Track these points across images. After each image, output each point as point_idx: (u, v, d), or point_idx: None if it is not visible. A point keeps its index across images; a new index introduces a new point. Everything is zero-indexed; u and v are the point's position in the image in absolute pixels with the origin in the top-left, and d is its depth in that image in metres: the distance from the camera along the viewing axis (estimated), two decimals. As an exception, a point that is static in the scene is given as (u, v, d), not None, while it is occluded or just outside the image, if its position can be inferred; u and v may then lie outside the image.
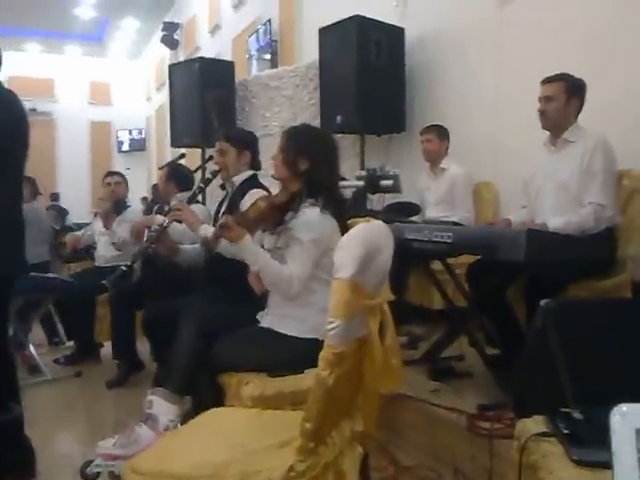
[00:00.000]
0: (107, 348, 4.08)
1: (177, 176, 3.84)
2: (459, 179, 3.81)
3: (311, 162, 2.14)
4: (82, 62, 14.97)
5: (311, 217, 2.06)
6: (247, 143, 2.88)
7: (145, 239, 2.94)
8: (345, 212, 2.15)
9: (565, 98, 2.70)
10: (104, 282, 2.89)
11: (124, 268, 2.81)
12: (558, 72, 2.75)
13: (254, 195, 2.46)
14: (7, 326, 2.32)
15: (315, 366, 1.37)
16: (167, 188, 3.78)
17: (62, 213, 10.30)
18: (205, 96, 5.67)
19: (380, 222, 1.59)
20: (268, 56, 7.41)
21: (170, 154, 8.84)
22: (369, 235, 1.48)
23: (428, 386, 2.58)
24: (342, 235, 1.51)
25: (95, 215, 4.88)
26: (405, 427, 2.47)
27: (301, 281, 2.03)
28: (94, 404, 3.23)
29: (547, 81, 2.76)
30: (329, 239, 2.00)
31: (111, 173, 4.50)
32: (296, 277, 2.01)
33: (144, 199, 10.51)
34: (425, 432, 2.39)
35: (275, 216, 2.13)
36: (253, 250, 2.03)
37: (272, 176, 2.32)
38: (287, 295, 2.06)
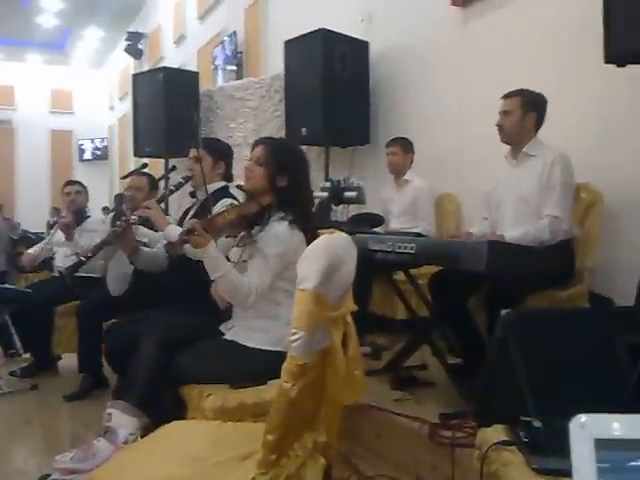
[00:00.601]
0: (65, 360, 4.02)
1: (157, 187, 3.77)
2: (422, 192, 3.86)
3: (290, 179, 2.13)
4: (43, 70, 14.74)
5: (279, 231, 2.05)
6: (223, 154, 2.88)
7: (109, 232, 2.88)
8: (312, 226, 2.14)
9: (521, 113, 2.77)
10: (60, 270, 2.81)
11: (83, 258, 2.75)
12: (519, 88, 2.82)
13: (226, 204, 2.44)
14: None
15: (278, 378, 1.36)
16: (147, 198, 3.67)
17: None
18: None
19: (343, 234, 1.59)
20: (233, 67, 7.41)
21: (133, 164, 8.73)
22: (332, 247, 1.48)
23: (391, 395, 2.58)
24: None
25: (50, 225, 4.76)
26: (368, 437, 2.47)
27: (259, 293, 2.01)
28: (51, 418, 3.14)
29: (506, 96, 2.83)
30: (294, 253, 1.99)
31: (70, 182, 4.37)
32: (254, 288, 2.00)
33: (105, 209, 10.34)
34: (388, 442, 2.40)
35: (242, 226, 2.11)
36: (216, 257, 2.01)
37: (238, 186, 2.31)
38: (243, 305, 2.06)
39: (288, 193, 2.12)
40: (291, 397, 1.33)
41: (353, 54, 4.79)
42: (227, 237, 2.20)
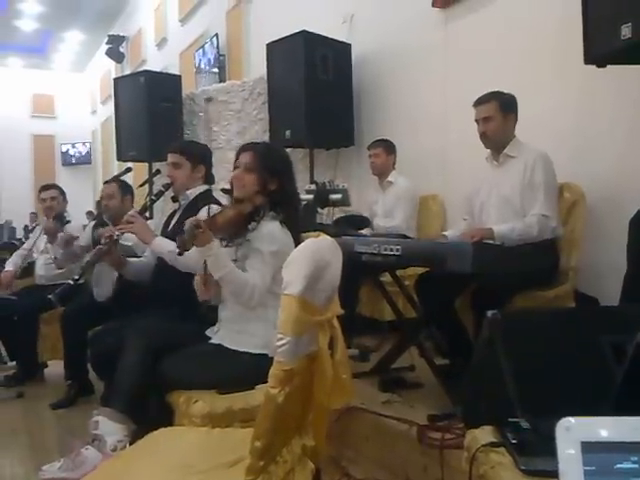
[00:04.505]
0: (50, 367, 3.98)
1: (131, 190, 3.73)
2: (403, 191, 3.88)
3: (280, 183, 2.16)
4: (24, 74, 14.59)
5: (273, 229, 2.07)
6: (202, 157, 2.84)
7: (94, 252, 2.86)
8: (300, 227, 2.15)
9: (501, 116, 2.78)
10: (49, 297, 2.77)
11: (71, 282, 2.71)
12: (494, 89, 2.83)
13: (214, 210, 2.42)
14: None
15: (266, 382, 1.35)
16: (123, 203, 3.66)
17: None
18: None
19: (328, 237, 1.59)
20: (216, 70, 7.40)
21: (117, 168, 8.67)
22: (318, 251, 1.47)
23: (379, 397, 2.58)
24: None
25: (29, 230, 4.65)
26: (357, 440, 2.47)
27: (261, 290, 2.01)
28: (37, 426, 3.10)
29: (479, 102, 2.84)
30: (287, 253, 1.98)
31: (45, 187, 4.21)
32: (257, 286, 2.00)
33: (90, 213, 10.27)
34: (377, 444, 2.39)
35: (239, 225, 2.12)
36: (219, 255, 2.00)
37: (222, 190, 2.30)
38: (247, 305, 2.04)
39: (278, 195, 2.15)
40: (278, 402, 1.32)
41: (335, 56, 4.80)
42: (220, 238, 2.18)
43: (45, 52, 13.89)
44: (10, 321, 3.75)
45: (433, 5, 4.15)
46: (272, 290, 2.05)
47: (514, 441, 1.34)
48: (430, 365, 2.61)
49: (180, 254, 2.02)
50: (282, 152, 2.33)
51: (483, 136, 2.83)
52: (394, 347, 2.88)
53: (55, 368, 3.90)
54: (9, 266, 4.20)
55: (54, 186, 4.26)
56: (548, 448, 0.82)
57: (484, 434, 1.45)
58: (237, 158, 2.20)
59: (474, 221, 2.95)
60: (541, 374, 1.56)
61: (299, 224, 2.17)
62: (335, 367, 1.45)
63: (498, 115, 2.77)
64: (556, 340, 1.64)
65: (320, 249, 1.49)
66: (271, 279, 2.04)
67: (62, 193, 4.22)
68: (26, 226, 11.81)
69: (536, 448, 1.28)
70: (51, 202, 4.08)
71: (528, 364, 1.57)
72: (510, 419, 1.43)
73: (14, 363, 4.00)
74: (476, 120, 2.84)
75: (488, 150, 2.91)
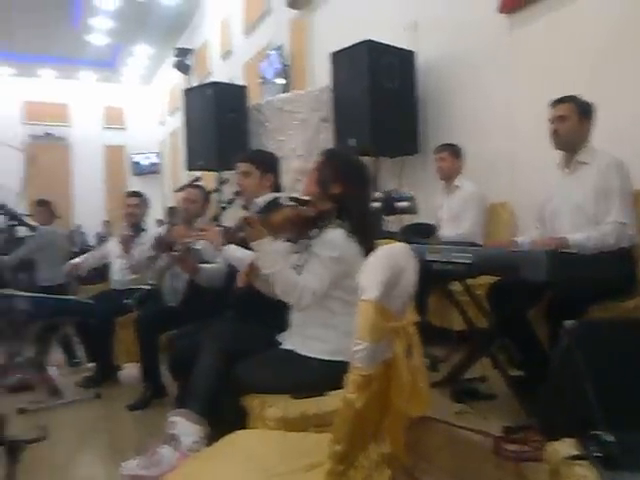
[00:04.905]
0: (123, 370, 4.11)
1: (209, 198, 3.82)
2: (471, 196, 3.84)
3: (344, 188, 2.12)
4: (96, 87, 15.23)
5: (335, 237, 2.03)
6: (270, 165, 2.87)
7: (168, 258, 2.95)
8: (371, 236, 2.10)
9: (577, 118, 2.72)
10: (127, 301, 2.86)
11: (148, 287, 2.79)
12: (568, 93, 2.77)
13: (282, 200, 2.46)
14: None
15: (337, 388, 1.37)
16: (200, 209, 3.76)
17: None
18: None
19: (403, 244, 1.59)
20: (280, 80, 7.49)
21: (185, 177, 8.90)
22: (393, 257, 1.48)
23: (451, 408, 2.55)
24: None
25: (101, 237, 4.84)
26: (430, 450, 2.44)
27: (316, 295, 1.99)
28: (115, 426, 3.21)
29: (558, 102, 2.79)
30: (351, 262, 1.98)
31: (129, 193, 4.40)
32: (309, 289, 1.98)
33: (159, 221, 10.58)
34: (450, 455, 2.36)
35: (299, 228, 2.11)
36: (269, 252, 2.00)
37: (290, 198, 2.32)
38: (297, 306, 2.04)
39: (344, 200, 2.11)
40: (357, 408, 1.33)
41: (400, 64, 4.81)
42: (286, 240, 2.19)
43: (115, 66, 14.43)
44: (88, 324, 3.92)
45: (499, 11, 4.11)
46: (339, 297, 2.05)
47: (599, 454, 1.31)
48: (504, 376, 2.56)
49: (224, 244, 2.03)
50: (354, 160, 2.28)
51: (555, 134, 2.76)
52: (465, 357, 2.84)
53: (128, 370, 4.04)
54: (79, 259, 4.41)
55: (137, 193, 4.41)
56: (636, 463, 0.80)
57: (565, 447, 1.42)
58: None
59: (546, 229, 2.88)
60: (624, 386, 1.52)
61: (369, 232, 2.11)
62: (412, 375, 1.45)
63: (574, 116, 2.71)
64: (637, 351, 1.59)
65: (394, 255, 1.50)
66: (330, 284, 2.02)
67: (144, 201, 4.36)
68: (98, 233, 12.26)
69: (623, 462, 1.25)
70: (132, 209, 4.25)
71: (610, 376, 1.53)
72: (592, 431, 1.39)
73: (91, 365, 4.17)
74: (550, 120, 2.78)
75: (559, 156, 2.84)
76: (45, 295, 3.84)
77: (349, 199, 2.12)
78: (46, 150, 13.00)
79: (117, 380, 4.08)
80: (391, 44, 4.79)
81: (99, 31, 11.92)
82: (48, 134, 14.11)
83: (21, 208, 5.68)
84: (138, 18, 11.18)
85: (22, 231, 5.07)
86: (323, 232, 2.08)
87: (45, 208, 5.22)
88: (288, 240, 2.18)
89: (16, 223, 4.63)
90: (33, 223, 4.98)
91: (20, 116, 13.95)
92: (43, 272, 5.00)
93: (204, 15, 11.13)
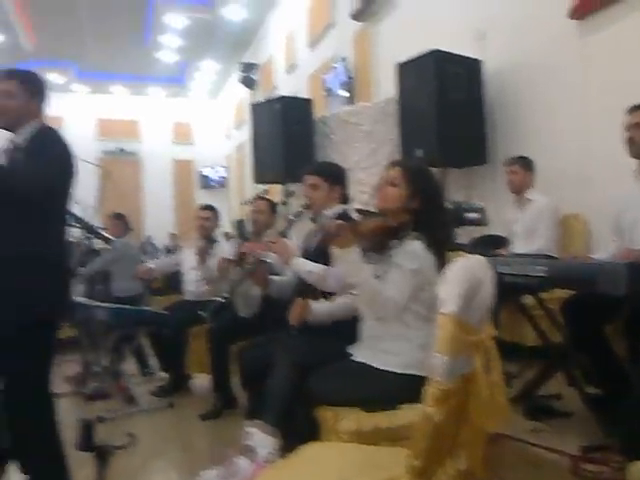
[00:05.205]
0: (195, 380, 4.21)
1: (277, 210, 3.90)
2: (544, 209, 3.75)
3: (423, 203, 2.13)
4: (165, 103, 15.77)
5: (416, 248, 2.03)
6: (338, 177, 2.87)
7: (241, 271, 3.02)
8: (445, 253, 2.09)
9: None
10: (201, 313, 2.93)
11: (222, 300, 2.84)
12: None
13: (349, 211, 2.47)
14: (49, 373, 2.21)
15: (410, 402, 1.37)
16: (269, 220, 3.85)
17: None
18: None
19: (480, 256, 1.58)
20: (345, 93, 7.55)
21: (251, 190, 9.06)
22: (471, 270, 1.48)
23: (526, 425, 2.49)
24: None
25: (168, 249, 4.94)
26: (504, 468, 2.39)
27: (397, 306, 1.99)
28: (188, 435, 3.29)
29: (636, 108, 2.71)
30: (428, 274, 1.98)
31: (202, 207, 4.50)
32: (392, 299, 1.98)
33: (226, 234, 10.82)
34: (525, 473, 2.30)
35: (383, 238, 2.11)
36: (357, 261, 1.99)
37: (358, 210, 2.33)
38: (379, 313, 2.04)
39: (422, 214, 2.11)
40: (435, 422, 1.33)
41: (467, 73, 4.77)
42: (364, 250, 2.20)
43: (183, 81, 14.91)
44: (162, 335, 4.04)
45: (570, 17, 4.02)
46: (414, 309, 2.04)
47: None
48: (580, 393, 2.48)
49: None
50: (431, 174, 2.29)
51: (630, 141, 2.69)
52: (539, 373, 2.77)
53: (199, 380, 4.14)
54: (152, 264, 4.58)
55: (208, 207, 4.51)
56: None
57: (651, 468, 1.38)
58: (386, 172, 2.21)
59: (623, 242, 2.78)
60: None
61: (445, 245, 2.11)
62: (491, 389, 1.43)
63: None
64: None
65: (472, 267, 1.50)
66: (409, 296, 2.01)
67: (215, 214, 4.47)
68: (166, 246, 12.59)
69: None
70: (204, 222, 4.35)
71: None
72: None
73: (164, 374, 4.30)
74: (626, 127, 2.70)
75: (635, 164, 2.75)
76: (123, 306, 4.00)
77: (425, 213, 2.12)
78: (118, 165, 13.51)
79: (189, 389, 4.17)
80: (458, 53, 4.75)
81: (168, 48, 12.37)
82: (121, 150, 14.73)
83: (96, 221, 5.92)
84: (205, 35, 11.54)
85: (98, 244, 5.29)
86: (403, 243, 2.08)
87: (120, 221, 5.44)
88: (364, 250, 2.18)
89: (92, 236, 4.82)
90: (108, 236, 5.18)
91: (94, 132, 14.62)
92: (118, 283, 5.20)
93: (268, 30, 11.36)
